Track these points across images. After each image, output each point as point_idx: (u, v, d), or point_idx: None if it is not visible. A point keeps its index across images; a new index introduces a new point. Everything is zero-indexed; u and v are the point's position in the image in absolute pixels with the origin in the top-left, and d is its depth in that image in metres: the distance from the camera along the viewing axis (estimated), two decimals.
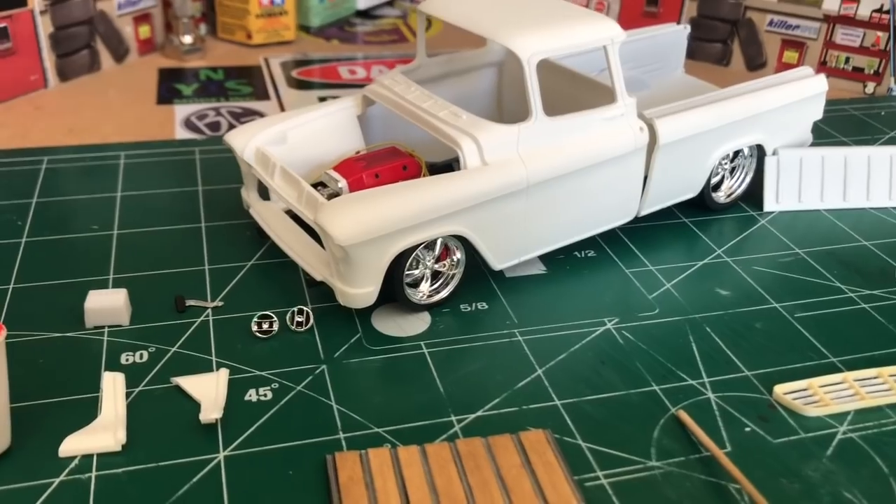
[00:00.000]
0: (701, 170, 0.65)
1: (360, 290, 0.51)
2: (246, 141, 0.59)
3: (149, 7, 0.96)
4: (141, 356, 0.50)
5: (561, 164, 0.56)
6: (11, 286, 0.56)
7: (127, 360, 0.50)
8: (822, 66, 0.98)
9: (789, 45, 0.99)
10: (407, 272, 0.54)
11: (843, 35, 0.96)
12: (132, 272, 0.57)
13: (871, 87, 0.96)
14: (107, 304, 0.52)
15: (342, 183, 0.56)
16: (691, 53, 1.02)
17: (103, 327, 0.52)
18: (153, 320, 0.53)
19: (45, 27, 0.85)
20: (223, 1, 1.00)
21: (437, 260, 0.55)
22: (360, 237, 0.49)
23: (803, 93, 0.68)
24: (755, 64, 1.01)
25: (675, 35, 0.79)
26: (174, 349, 0.51)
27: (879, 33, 0.94)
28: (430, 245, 0.54)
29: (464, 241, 0.55)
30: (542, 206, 0.56)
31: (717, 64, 1.03)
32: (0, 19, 0.81)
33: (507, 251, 0.57)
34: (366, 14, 1.15)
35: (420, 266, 0.54)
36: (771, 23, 0.99)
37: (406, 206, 0.51)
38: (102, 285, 0.56)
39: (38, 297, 0.55)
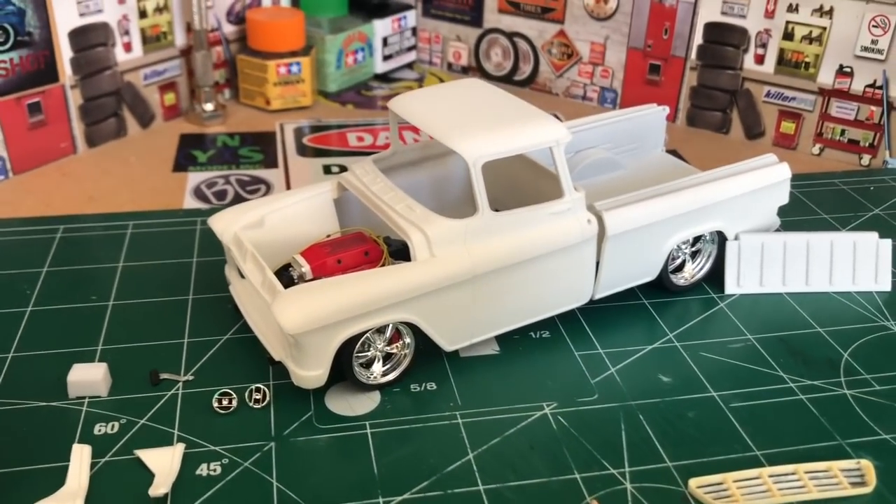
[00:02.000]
0: (656, 256, 0.68)
1: (309, 373, 0.56)
2: (226, 225, 0.65)
3: (174, 76, 1.03)
4: (112, 427, 0.55)
5: (506, 255, 0.60)
6: (11, 354, 0.62)
7: (100, 430, 0.55)
8: (818, 138, 0.99)
9: (786, 116, 1.01)
10: (358, 354, 0.58)
11: (837, 108, 0.97)
12: (119, 343, 0.63)
13: (866, 159, 0.97)
14: (87, 378, 0.58)
15: (306, 268, 0.61)
16: (691, 121, 1.05)
17: (84, 398, 0.58)
18: (129, 392, 0.59)
19: (74, 99, 0.93)
20: (244, 69, 1.07)
21: (389, 342, 0.60)
22: (307, 326, 0.54)
23: (765, 181, 0.71)
24: (753, 133, 1.03)
25: (653, 116, 0.82)
26: (143, 421, 0.56)
27: (873, 107, 0.95)
28: (381, 329, 0.58)
29: (413, 326, 0.59)
30: (490, 293, 0.60)
31: (717, 132, 1.05)
32: (33, 95, 0.89)
33: (457, 335, 0.61)
34: (384, 77, 1.21)
35: (371, 349, 0.59)
36: (768, 94, 1.01)
37: (352, 296, 0.55)
38: (91, 356, 0.62)
39: (33, 366, 0.61)
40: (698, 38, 1.03)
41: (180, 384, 0.59)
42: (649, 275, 0.69)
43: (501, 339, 0.65)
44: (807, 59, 0.97)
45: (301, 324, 0.54)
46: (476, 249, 0.59)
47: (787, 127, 1.01)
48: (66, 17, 0.90)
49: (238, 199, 0.86)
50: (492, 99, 0.65)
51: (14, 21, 0.85)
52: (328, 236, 0.66)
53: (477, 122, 0.61)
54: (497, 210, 0.61)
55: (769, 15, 0.98)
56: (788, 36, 0.98)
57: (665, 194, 0.67)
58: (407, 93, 0.67)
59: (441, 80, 1.21)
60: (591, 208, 0.64)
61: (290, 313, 0.54)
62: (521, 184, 0.69)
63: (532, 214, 0.61)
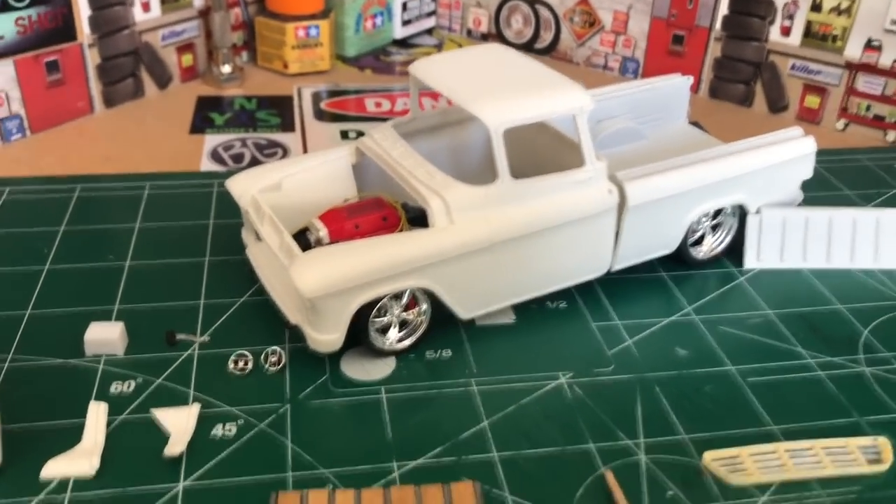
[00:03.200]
0: (676, 228, 0.67)
1: (326, 337, 0.56)
2: (244, 188, 0.65)
3: (192, 37, 1.02)
4: (128, 386, 0.56)
5: (525, 224, 0.59)
6: (28, 311, 0.62)
7: (116, 389, 0.55)
8: (843, 112, 0.98)
9: (811, 90, 0.99)
10: (375, 319, 0.58)
11: (864, 82, 0.96)
12: (136, 303, 0.63)
13: (892, 135, 0.96)
14: (104, 336, 0.58)
15: (323, 232, 0.60)
16: (714, 93, 1.04)
17: (101, 356, 0.58)
18: (145, 352, 0.59)
19: (92, 58, 0.92)
20: (262, 31, 1.06)
21: (406, 309, 0.59)
22: (324, 290, 0.54)
23: (789, 154, 0.70)
24: (777, 107, 1.02)
25: (677, 86, 0.81)
26: (159, 381, 0.56)
27: None
28: (398, 295, 0.58)
29: (430, 293, 0.59)
30: (508, 262, 0.60)
31: (741, 105, 1.04)
32: (51, 53, 0.88)
33: (473, 303, 0.61)
34: (403, 43, 1.20)
35: (388, 314, 0.59)
36: (793, 67, 0.99)
37: (370, 261, 0.55)
38: (107, 315, 0.62)
39: (51, 324, 0.61)
40: (724, 9, 1.01)
41: (196, 345, 0.60)
42: (669, 247, 0.68)
43: (518, 308, 0.64)
44: (835, 32, 0.96)
45: (318, 287, 0.53)
46: (495, 217, 0.58)
47: (812, 101, 0.99)
48: None
49: (255, 163, 0.85)
50: (514, 64, 0.64)
51: None
52: (346, 201, 0.66)
53: (499, 88, 0.60)
54: (517, 178, 0.61)
55: None
56: (816, 7, 0.96)
57: (687, 166, 0.66)
58: (428, 57, 0.66)
59: (460, 47, 1.20)
60: (613, 178, 0.63)
61: (307, 277, 0.54)
62: (542, 152, 0.68)
63: (553, 182, 0.60)
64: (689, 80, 0.81)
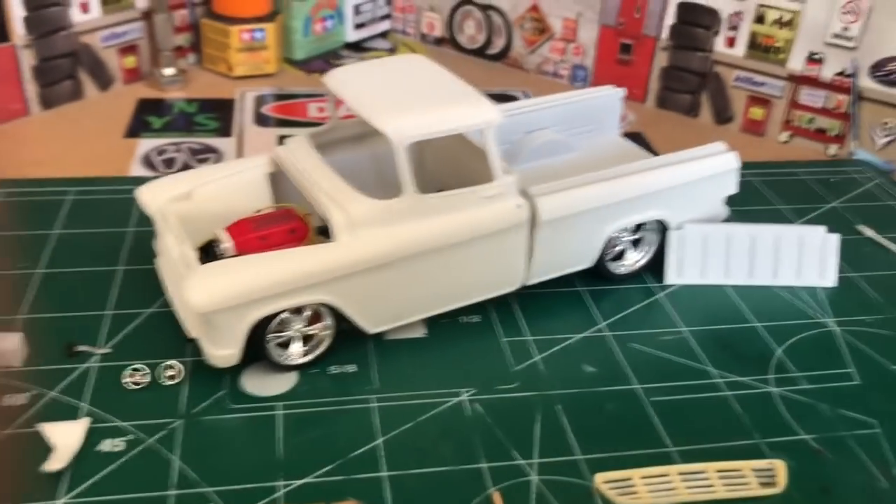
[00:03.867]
0: (593, 243, 0.66)
1: (222, 352, 0.55)
2: (152, 196, 0.64)
3: (135, 38, 1.01)
4: (20, 399, 0.55)
5: (431, 239, 0.58)
6: None
7: (6, 402, 0.55)
8: (787, 125, 0.97)
9: (755, 102, 0.99)
10: (276, 334, 0.57)
11: (807, 95, 0.95)
12: (42, 313, 0.63)
13: (833, 149, 0.96)
14: (0, 347, 0.57)
15: (228, 244, 0.60)
16: (661, 102, 1.03)
17: None
18: (44, 363, 0.58)
19: (27, 60, 0.91)
20: (207, 34, 1.05)
21: (310, 323, 0.59)
22: (216, 305, 0.53)
23: (711, 170, 0.69)
24: (723, 118, 1.01)
25: (609, 98, 0.80)
26: (52, 393, 0.56)
27: (841, 96, 0.93)
28: (299, 309, 0.58)
29: (333, 308, 0.58)
30: (414, 277, 0.59)
31: (687, 115, 1.04)
32: None
33: (379, 318, 0.60)
34: (356, 46, 1.19)
35: (290, 329, 0.58)
36: (738, 78, 0.99)
37: (265, 276, 0.54)
38: (10, 324, 0.61)
39: None
40: (670, 18, 1.01)
41: (96, 357, 0.59)
42: (585, 262, 0.67)
43: (430, 322, 0.64)
44: (778, 44, 0.95)
45: (209, 302, 0.53)
46: (400, 231, 0.58)
47: (756, 113, 0.99)
48: None
49: (186, 168, 0.85)
50: (429, 77, 0.64)
51: None
52: (258, 212, 0.65)
53: (406, 101, 0.59)
54: (437, 187, 0.60)
55: None
56: (760, 19, 0.95)
57: (604, 180, 0.65)
58: (342, 67, 0.66)
59: (413, 51, 1.19)
60: (525, 193, 0.62)
61: (199, 291, 0.53)
62: (458, 162, 0.67)
63: (460, 198, 0.59)
64: (620, 91, 0.80)
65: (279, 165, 0.65)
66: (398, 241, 0.57)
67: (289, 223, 0.61)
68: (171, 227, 0.60)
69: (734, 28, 0.97)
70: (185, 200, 0.64)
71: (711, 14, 0.98)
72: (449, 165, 0.70)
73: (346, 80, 0.63)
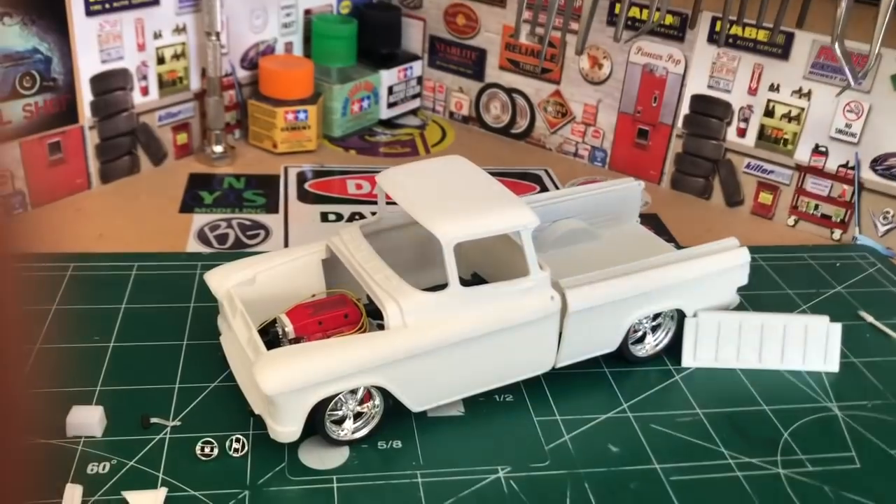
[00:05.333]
0: (616, 330, 0.73)
1: (284, 429, 0.62)
2: (220, 281, 0.71)
3: (188, 117, 1.09)
4: (104, 467, 0.61)
5: (473, 328, 0.65)
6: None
7: (92, 469, 0.61)
8: (794, 210, 1.04)
9: (764, 188, 1.06)
10: (331, 412, 0.64)
11: (812, 184, 1.02)
12: (116, 385, 0.69)
13: (837, 234, 1.02)
14: (84, 420, 0.63)
15: (289, 327, 0.66)
16: (675, 185, 1.10)
17: (80, 437, 0.64)
18: (121, 434, 0.64)
19: (92, 139, 0.99)
20: (254, 113, 1.13)
21: (361, 402, 0.65)
22: (283, 388, 0.59)
23: (725, 264, 0.76)
24: (733, 201, 1.08)
25: (630, 190, 0.87)
26: (131, 463, 0.62)
27: (845, 186, 1.00)
28: (354, 390, 0.64)
29: (383, 389, 0.64)
30: (457, 361, 0.66)
31: (699, 197, 1.11)
32: (54, 135, 0.95)
33: (423, 398, 0.66)
34: (388, 123, 1.27)
35: (344, 408, 0.64)
36: (748, 165, 1.06)
37: (327, 362, 0.61)
38: (90, 395, 0.68)
39: (37, 404, 0.67)
40: (685, 108, 1.08)
41: (168, 429, 0.65)
42: (610, 347, 0.74)
43: (467, 400, 0.70)
44: (785, 136, 1.02)
45: (278, 386, 0.59)
46: (446, 321, 0.64)
47: (765, 198, 1.06)
48: (89, 63, 0.96)
49: (238, 244, 0.92)
50: (471, 180, 0.71)
51: (41, 68, 0.92)
52: (313, 296, 0.72)
53: (452, 205, 0.66)
54: (474, 273, 0.67)
55: (752, 92, 1.03)
56: (769, 113, 1.03)
57: (627, 274, 0.72)
58: (393, 169, 0.73)
59: (442, 128, 1.27)
60: (556, 285, 0.69)
61: (268, 375, 0.59)
62: (496, 253, 0.74)
63: (499, 290, 0.66)
64: (641, 184, 0.87)
65: (334, 253, 0.72)
66: (444, 330, 0.64)
67: (343, 308, 0.68)
68: (238, 312, 0.67)
69: (745, 120, 1.04)
70: (249, 284, 0.71)
71: (724, 106, 1.05)
72: (484, 254, 0.77)
73: (397, 181, 0.70)
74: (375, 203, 1.03)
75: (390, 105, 1.26)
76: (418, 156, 1.18)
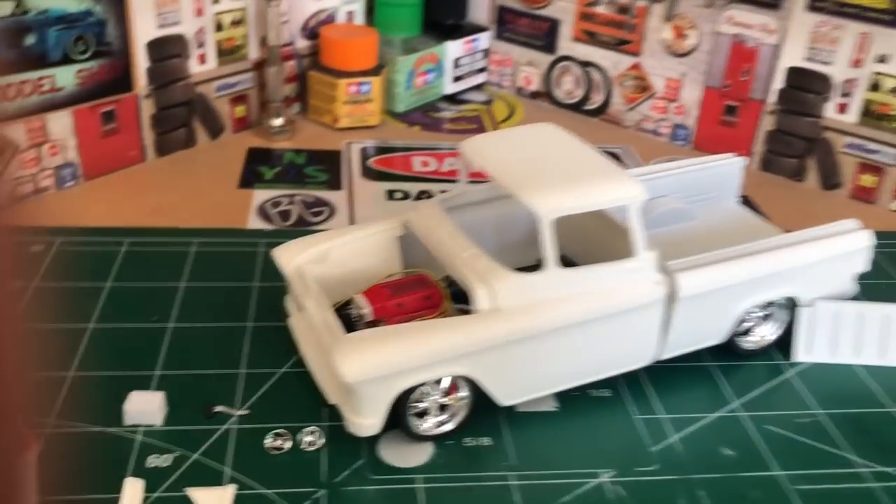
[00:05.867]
0: (726, 319, 0.65)
1: (365, 421, 0.55)
2: (290, 258, 0.65)
3: (246, 89, 1.04)
4: (165, 460, 0.55)
5: (572, 314, 0.58)
6: (71, 373, 0.63)
7: (152, 463, 0.55)
8: None
9: (866, 169, 0.97)
10: (414, 404, 0.57)
11: None
12: (176, 369, 0.63)
13: None
14: (143, 407, 0.58)
15: (367, 309, 0.60)
16: (765, 165, 1.02)
17: (139, 426, 0.58)
18: (183, 423, 0.59)
19: (147, 109, 0.94)
20: (314, 86, 1.07)
21: (446, 394, 0.58)
22: (365, 376, 0.53)
23: (844, 248, 0.68)
24: (830, 183, 1.00)
25: (730, 166, 0.80)
26: (195, 455, 0.56)
27: None
28: (438, 380, 0.57)
29: (471, 380, 0.58)
30: (552, 351, 0.59)
31: (792, 179, 1.02)
32: (108, 104, 0.90)
33: (514, 390, 0.60)
34: (452, 98, 1.20)
35: (427, 399, 0.58)
36: (848, 145, 0.97)
37: (413, 349, 0.54)
38: (147, 381, 0.62)
39: (92, 387, 0.61)
40: (779, 82, 1.00)
41: (234, 418, 0.59)
42: (718, 338, 0.66)
43: (560, 394, 0.63)
44: (893, 112, 0.94)
45: (359, 373, 0.53)
46: (541, 305, 0.58)
47: (867, 180, 0.97)
48: (145, 28, 0.91)
49: (301, 221, 0.86)
50: (566, 149, 0.64)
51: (95, 31, 0.86)
52: (389, 276, 0.65)
53: (550, 176, 0.59)
54: (564, 259, 0.60)
55: (856, 64, 0.94)
56: (875, 87, 0.94)
57: (739, 258, 0.64)
58: (480, 136, 0.66)
59: (510, 104, 1.20)
60: (664, 268, 0.62)
61: (349, 361, 0.53)
62: (590, 235, 0.67)
63: (601, 272, 0.59)
64: (743, 160, 0.80)
65: (411, 230, 0.65)
66: (540, 315, 0.57)
67: (424, 290, 0.62)
68: (311, 292, 0.61)
69: (846, 95, 0.96)
70: (320, 262, 0.65)
71: (823, 80, 0.97)
72: (573, 231, 0.70)
73: (485, 151, 0.64)
74: (443, 181, 0.96)
75: (456, 79, 1.19)
76: (485, 132, 1.11)
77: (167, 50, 0.94)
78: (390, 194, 0.93)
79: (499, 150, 0.64)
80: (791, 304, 0.69)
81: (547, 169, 0.61)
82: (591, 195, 0.58)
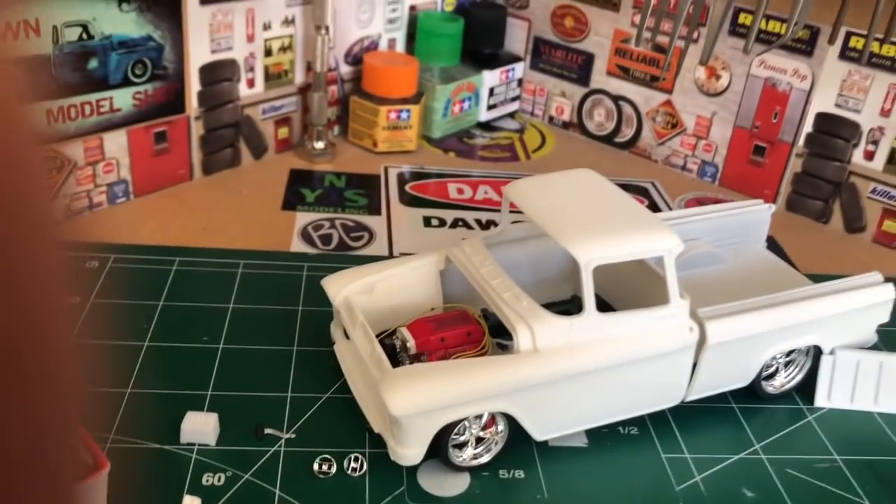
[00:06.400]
0: (752, 365, 0.68)
1: (408, 451, 0.59)
2: (339, 289, 0.68)
3: (290, 111, 1.07)
4: (219, 479, 0.59)
5: (608, 357, 0.61)
6: (129, 390, 0.66)
7: (207, 480, 0.59)
8: None
9: (890, 215, 1.00)
10: (454, 436, 0.60)
11: None
12: (227, 390, 0.67)
13: None
14: (200, 427, 0.61)
15: (411, 343, 0.64)
16: (791, 206, 1.05)
17: (194, 444, 0.61)
18: (235, 443, 0.62)
19: (196, 129, 0.98)
20: (356, 110, 1.10)
21: (484, 428, 0.62)
22: (413, 410, 0.56)
23: (867, 300, 0.71)
24: (854, 227, 1.02)
25: (759, 213, 0.83)
26: (247, 476, 0.60)
27: None
28: (479, 415, 0.61)
29: (508, 415, 0.61)
30: (587, 390, 0.62)
31: (817, 221, 1.05)
32: (161, 124, 0.94)
33: (549, 426, 0.63)
34: (486, 126, 1.23)
35: (467, 432, 0.61)
36: (874, 190, 1.00)
37: (458, 386, 0.58)
38: (201, 399, 0.66)
39: (148, 405, 0.65)
40: (808, 126, 1.03)
41: (283, 441, 0.63)
42: (743, 381, 0.69)
43: (590, 431, 0.66)
44: None
45: (406, 407, 0.56)
46: (579, 348, 0.61)
47: (891, 226, 1.00)
48: (199, 53, 0.94)
49: (342, 245, 0.89)
50: (605, 196, 0.67)
51: (153, 56, 0.90)
52: (432, 309, 0.69)
53: (591, 223, 0.63)
54: (600, 299, 0.63)
55: (885, 113, 0.97)
56: None
57: (767, 307, 0.67)
58: (522, 181, 0.69)
59: (542, 133, 1.23)
60: (694, 315, 0.65)
61: (397, 395, 0.57)
62: (627, 279, 0.70)
63: (636, 318, 0.62)
64: (771, 207, 0.83)
65: (458, 267, 0.69)
66: (578, 358, 0.60)
67: (466, 326, 0.65)
68: (358, 323, 0.64)
69: (875, 142, 0.99)
70: (367, 293, 0.68)
71: (852, 127, 1.00)
72: (609, 275, 0.73)
73: (528, 195, 0.67)
74: (477, 209, 1.00)
75: (490, 107, 1.22)
76: (518, 161, 1.14)
77: (219, 74, 0.98)
78: (427, 221, 0.97)
79: (541, 195, 0.67)
80: (815, 352, 0.71)
81: (588, 216, 0.64)
82: (631, 244, 0.61)
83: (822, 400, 0.72)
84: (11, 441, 0.22)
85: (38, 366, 0.23)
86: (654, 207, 1.04)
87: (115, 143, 0.91)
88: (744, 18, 1.04)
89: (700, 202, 1.06)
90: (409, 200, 1.01)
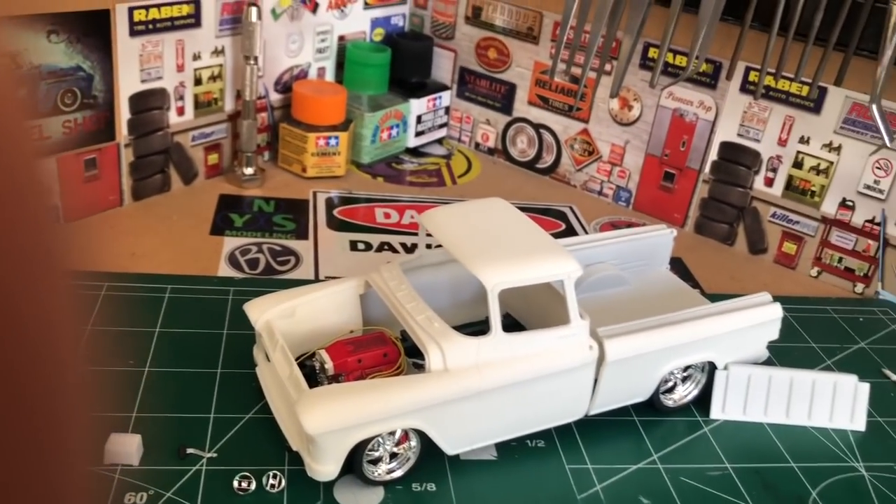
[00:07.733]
0: (649, 380, 0.73)
1: (323, 467, 0.62)
2: (260, 313, 0.71)
3: (220, 138, 1.10)
4: (141, 497, 0.61)
5: (513, 374, 0.66)
6: None
7: (129, 500, 0.61)
8: (817, 262, 1.05)
9: (789, 238, 1.07)
10: (368, 452, 0.64)
11: (837, 237, 1.03)
12: (152, 412, 0.69)
13: (860, 287, 1.03)
14: (122, 448, 0.64)
15: (329, 364, 0.67)
16: (699, 229, 1.11)
17: (117, 465, 0.64)
18: (158, 463, 0.64)
19: (126, 156, 1.00)
20: (285, 137, 1.14)
21: (397, 444, 0.65)
22: (326, 428, 0.60)
23: (757, 319, 0.77)
24: (756, 249, 1.09)
25: (662, 237, 0.88)
26: (168, 494, 0.62)
27: (870, 241, 1.01)
28: (392, 431, 0.64)
29: (420, 431, 0.65)
30: (494, 406, 0.66)
31: (723, 243, 1.11)
32: (91, 151, 0.96)
33: (459, 441, 0.67)
34: (414, 151, 1.28)
35: (380, 448, 0.65)
36: (774, 214, 1.07)
37: (371, 405, 0.61)
38: (126, 421, 0.68)
39: None
40: (713, 154, 1.09)
41: (204, 460, 0.65)
42: (642, 396, 0.74)
43: (499, 444, 0.70)
44: (813, 188, 1.04)
45: (321, 426, 0.60)
46: (486, 366, 0.65)
47: (789, 248, 1.07)
48: (129, 83, 0.97)
49: (269, 269, 0.92)
50: (513, 224, 0.72)
51: (83, 85, 0.92)
52: (351, 332, 0.72)
53: (497, 250, 0.67)
54: (507, 314, 0.67)
55: (782, 143, 1.04)
56: (798, 164, 1.04)
57: (663, 326, 0.72)
58: (436, 209, 0.74)
59: (468, 159, 1.28)
60: (594, 334, 0.69)
61: (311, 415, 0.60)
62: (535, 301, 0.75)
63: (539, 337, 0.67)
64: (672, 232, 0.88)
65: (376, 290, 0.72)
66: (485, 376, 0.64)
67: (383, 347, 0.69)
68: (278, 346, 0.67)
69: (773, 170, 1.06)
70: (288, 317, 0.71)
71: (753, 155, 1.06)
72: (519, 296, 0.77)
73: (441, 223, 0.71)
74: (403, 233, 1.04)
75: (418, 133, 1.27)
76: (444, 186, 1.19)
77: (148, 102, 1.00)
78: (353, 245, 1.00)
79: (453, 223, 0.71)
80: (709, 367, 0.77)
81: (495, 243, 0.68)
82: (533, 270, 0.66)
83: (716, 412, 0.77)
84: None
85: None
86: (571, 231, 1.10)
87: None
88: (653, 52, 1.10)
89: (614, 225, 1.12)
90: (337, 225, 1.04)
